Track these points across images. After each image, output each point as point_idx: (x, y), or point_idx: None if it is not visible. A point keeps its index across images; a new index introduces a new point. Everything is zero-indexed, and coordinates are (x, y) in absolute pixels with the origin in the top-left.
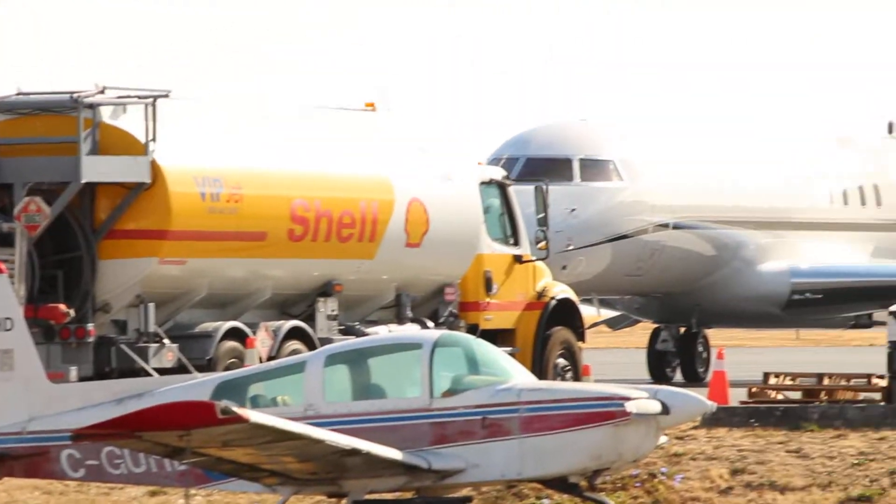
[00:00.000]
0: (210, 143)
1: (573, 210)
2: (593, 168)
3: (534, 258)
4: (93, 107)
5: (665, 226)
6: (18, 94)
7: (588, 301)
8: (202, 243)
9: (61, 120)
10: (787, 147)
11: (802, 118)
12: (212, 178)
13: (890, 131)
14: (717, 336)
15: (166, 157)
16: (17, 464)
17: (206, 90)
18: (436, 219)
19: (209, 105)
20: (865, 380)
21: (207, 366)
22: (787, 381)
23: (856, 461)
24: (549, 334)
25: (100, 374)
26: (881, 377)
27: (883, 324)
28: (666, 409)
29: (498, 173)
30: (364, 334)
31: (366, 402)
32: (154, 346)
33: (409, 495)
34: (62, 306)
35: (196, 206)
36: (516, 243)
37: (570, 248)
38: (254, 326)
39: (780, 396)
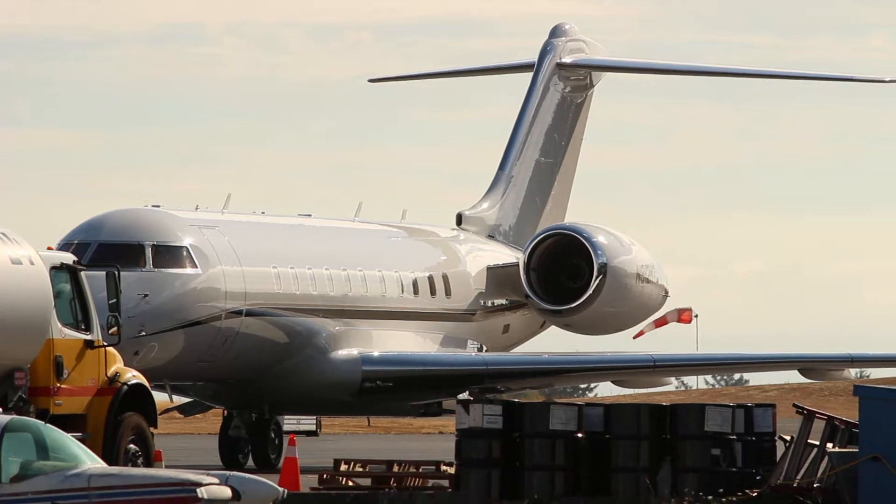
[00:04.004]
0: None
1: (146, 296)
2: (166, 254)
3: (105, 343)
4: None
5: (238, 313)
6: None
7: (161, 387)
8: None
9: None
10: (358, 236)
11: (374, 207)
12: None
13: (459, 223)
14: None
15: None
16: None
17: None
18: (5, 303)
19: None
20: (434, 467)
21: None
22: (358, 468)
23: None
24: (121, 420)
25: None
26: (450, 464)
27: (452, 411)
28: (237, 495)
29: (69, 258)
30: None
31: None
32: None
33: None
34: None
35: None
36: (88, 328)
37: (143, 333)
38: None
39: (350, 483)
